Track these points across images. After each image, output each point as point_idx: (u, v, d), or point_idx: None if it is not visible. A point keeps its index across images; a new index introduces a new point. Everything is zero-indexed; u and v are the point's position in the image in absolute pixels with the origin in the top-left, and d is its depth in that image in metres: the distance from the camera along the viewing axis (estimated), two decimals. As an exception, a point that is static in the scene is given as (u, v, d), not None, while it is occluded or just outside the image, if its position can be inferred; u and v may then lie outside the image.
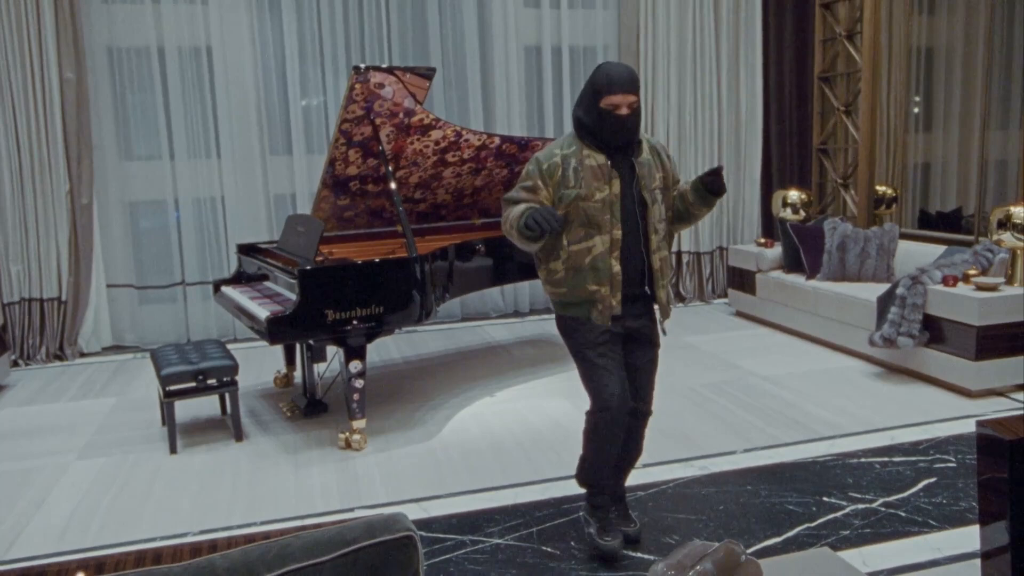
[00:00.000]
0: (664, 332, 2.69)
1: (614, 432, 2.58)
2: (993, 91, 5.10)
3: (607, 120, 2.46)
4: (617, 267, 2.52)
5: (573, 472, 3.33)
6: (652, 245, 2.57)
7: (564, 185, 2.50)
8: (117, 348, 5.76)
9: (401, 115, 4.07)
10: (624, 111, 2.44)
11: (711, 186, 2.54)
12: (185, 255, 5.81)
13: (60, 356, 5.47)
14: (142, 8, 5.52)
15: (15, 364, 5.32)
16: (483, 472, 3.39)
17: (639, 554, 2.71)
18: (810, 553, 1.59)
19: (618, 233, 2.51)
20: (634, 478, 3.28)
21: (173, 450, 3.70)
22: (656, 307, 2.66)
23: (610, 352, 2.58)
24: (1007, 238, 4.22)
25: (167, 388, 3.68)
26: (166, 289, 5.86)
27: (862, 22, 5.83)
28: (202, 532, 2.93)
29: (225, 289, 4.37)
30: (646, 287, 2.61)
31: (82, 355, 5.57)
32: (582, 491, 3.16)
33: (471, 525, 2.93)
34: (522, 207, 2.50)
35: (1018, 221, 4.17)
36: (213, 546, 1.28)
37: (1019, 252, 4.24)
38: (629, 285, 2.57)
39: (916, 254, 5.03)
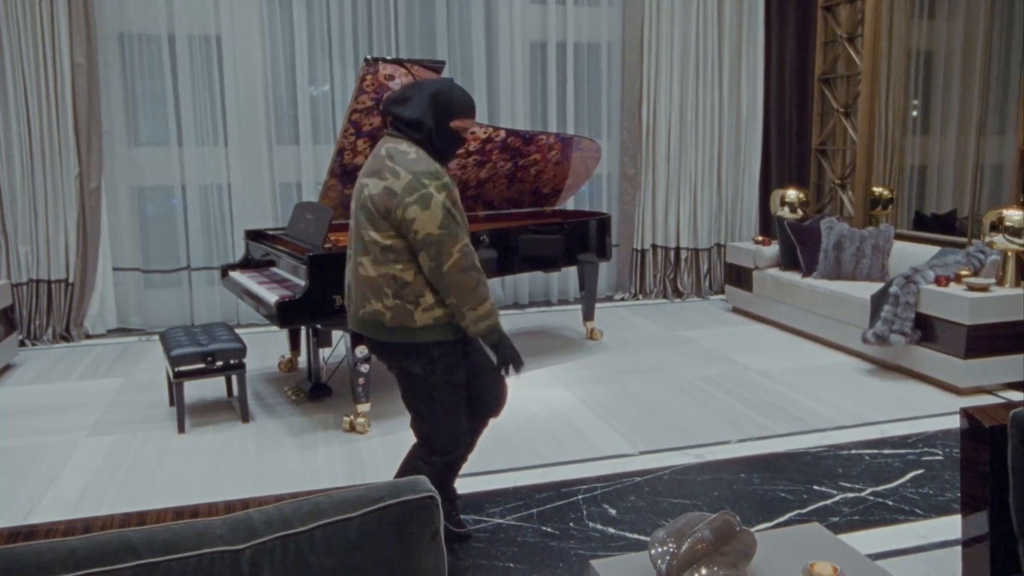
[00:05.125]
0: None
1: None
2: (990, 96, 5.19)
3: (455, 141, 2.44)
4: None
5: (564, 460, 3.41)
6: None
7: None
8: (122, 331, 5.84)
9: (410, 107, 4.14)
10: (467, 136, 2.48)
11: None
12: (191, 240, 5.89)
13: (66, 337, 5.55)
14: (153, -5, 5.59)
15: (22, 344, 5.39)
16: (485, 456, 3.48)
17: (635, 535, 2.81)
18: (802, 528, 1.69)
19: None
20: (632, 464, 3.39)
21: (181, 429, 3.79)
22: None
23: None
24: (999, 240, 4.32)
25: (176, 369, 3.76)
26: (172, 273, 5.95)
27: (863, 25, 5.92)
28: (196, 504, 3.01)
29: (233, 274, 4.45)
30: None
31: (88, 337, 5.65)
32: (582, 475, 3.28)
33: (473, 506, 3.02)
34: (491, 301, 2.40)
35: (1010, 224, 4.28)
36: (245, 504, 1.37)
37: (1010, 254, 4.34)
38: None
39: (910, 254, 5.14)
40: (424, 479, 1.30)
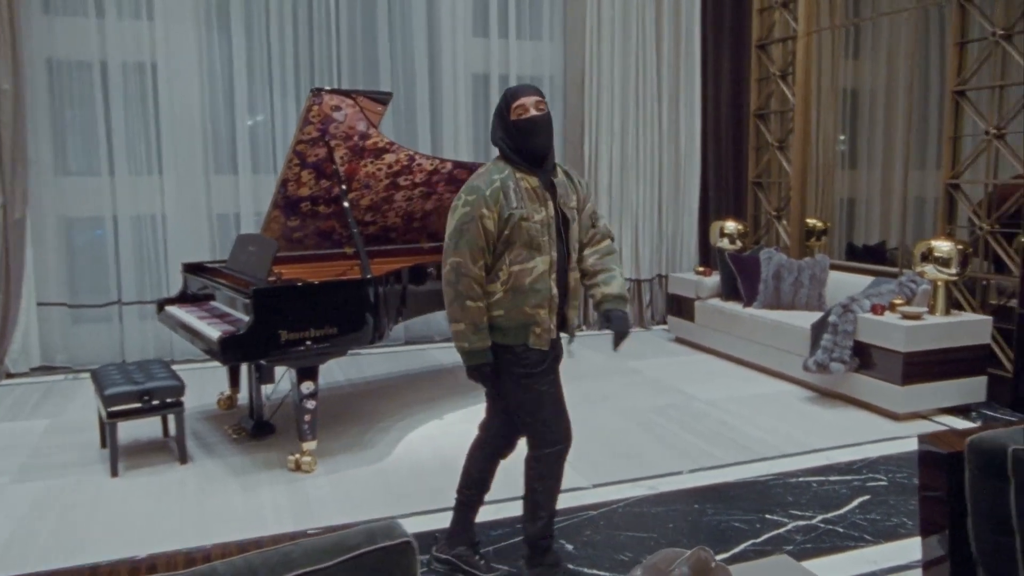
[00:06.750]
0: (571, 354, 2.73)
1: (563, 466, 2.65)
2: (912, 133, 5.44)
3: (523, 127, 2.50)
4: (555, 289, 2.54)
5: (516, 496, 3.36)
6: (570, 263, 2.62)
7: (508, 206, 2.46)
8: (47, 369, 5.56)
9: (356, 138, 4.10)
10: (533, 111, 2.50)
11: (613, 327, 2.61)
12: (122, 273, 5.66)
13: (-15, 376, 5.25)
14: (85, 21, 5.42)
15: (-64, 384, 5.08)
16: (435, 493, 3.40)
17: (593, 570, 2.77)
18: (772, 560, 1.69)
19: (555, 254, 2.54)
20: (586, 498, 3.36)
21: (114, 473, 3.60)
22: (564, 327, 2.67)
23: (554, 378, 2.62)
24: (929, 270, 4.49)
25: (110, 409, 3.58)
26: (101, 308, 5.70)
27: (795, 63, 6.14)
28: (151, 556, 2.86)
29: (170, 309, 4.29)
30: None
31: (9, 376, 5.35)
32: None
33: (425, 545, 2.93)
34: (478, 313, 2.47)
35: (939, 255, 4.45)
36: (207, 556, 1.29)
37: (940, 284, 4.51)
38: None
39: (845, 284, 5.29)
40: (398, 523, 1.25)
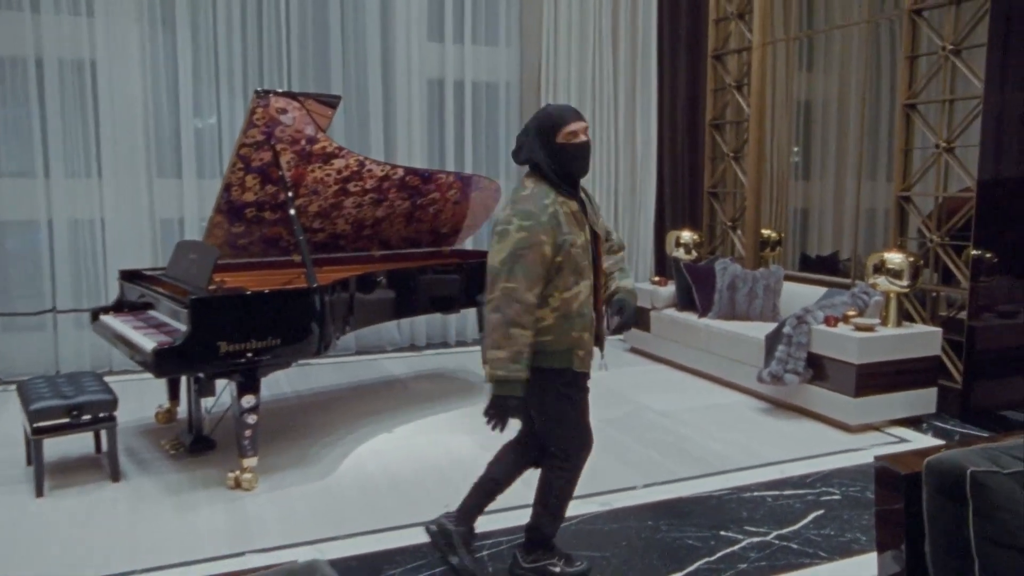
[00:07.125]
0: (604, 367, 2.73)
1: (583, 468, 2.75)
2: (864, 145, 5.47)
3: (571, 151, 2.48)
4: (593, 312, 2.57)
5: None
6: (601, 283, 2.65)
7: (561, 233, 2.43)
8: (-25, 380, 5.28)
9: (303, 142, 3.96)
10: (583, 137, 2.49)
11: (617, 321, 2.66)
12: (57, 280, 5.41)
13: (-93, 388, 4.96)
14: (19, 16, 5.18)
15: None
16: (383, 511, 3.28)
17: (544, 593, 2.67)
18: (726, 590, 1.60)
19: (593, 277, 2.56)
20: (537, 515, 3.25)
21: (40, 492, 3.39)
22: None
23: (587, 393, 2.69)
24: (882, 282, 4.50)
25: (35, 424, 3.38)
26: (34, 317, 5.43)
27: (750, 74, 6.16)
28: (73, 583, 2.69)
29: (105, 318, 4.09)
30: None
31: (-67, 387, 5.07)
32: (487, 528, 3.12)
33: (371, 567, 2.81)
34: (523, 342, 2.39)
35: (891, 267, 4.46)
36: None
37: (892, 295, 4.53)
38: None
39: (799, 295, 5.30)
40: (322, 563, 1.14)
